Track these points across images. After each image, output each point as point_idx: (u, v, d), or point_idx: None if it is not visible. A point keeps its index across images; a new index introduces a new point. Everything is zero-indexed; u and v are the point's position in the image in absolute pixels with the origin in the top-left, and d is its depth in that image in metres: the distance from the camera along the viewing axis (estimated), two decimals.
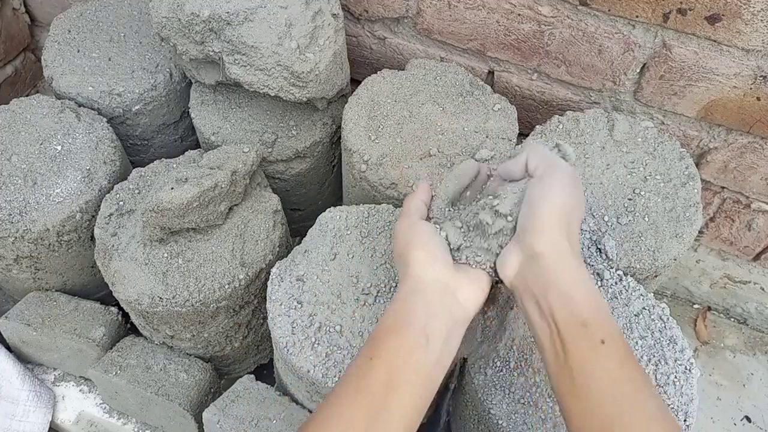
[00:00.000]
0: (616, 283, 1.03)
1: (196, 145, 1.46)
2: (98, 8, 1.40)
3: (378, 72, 1.25)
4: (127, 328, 1.27)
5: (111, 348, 1.21)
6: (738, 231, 1.36)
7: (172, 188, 1.06)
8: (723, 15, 1.07)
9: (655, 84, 1.20)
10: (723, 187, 1.31)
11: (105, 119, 1.27)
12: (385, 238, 1.07)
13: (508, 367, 0.96)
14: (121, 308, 1.25)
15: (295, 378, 1.01)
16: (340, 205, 1.44)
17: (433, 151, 1.15)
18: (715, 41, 1.11)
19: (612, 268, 1.04)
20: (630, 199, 1.11)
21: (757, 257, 1.40)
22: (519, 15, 1.21)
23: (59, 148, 1.22)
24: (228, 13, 1.10)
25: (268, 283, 1.04)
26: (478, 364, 0.97)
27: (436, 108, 1.20)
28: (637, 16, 1.13)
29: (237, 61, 1.14)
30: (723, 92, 1.16)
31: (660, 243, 1.07)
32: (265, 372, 1.36)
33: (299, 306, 1.00)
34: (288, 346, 0.97)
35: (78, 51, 1.33)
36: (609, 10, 1.14)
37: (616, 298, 1.02)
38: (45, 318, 1.21)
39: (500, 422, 0.92)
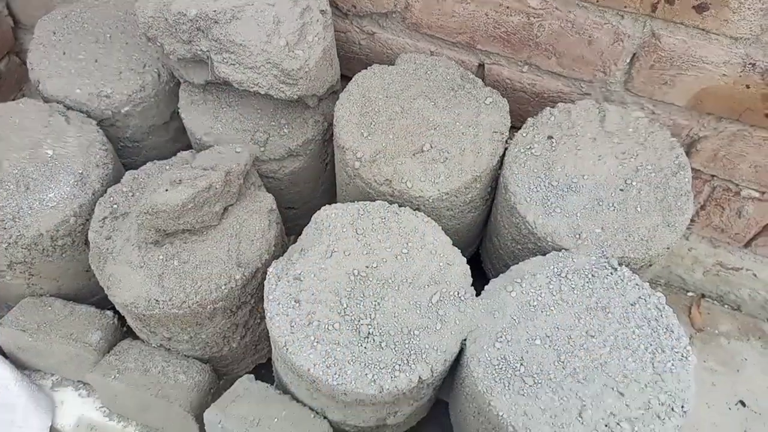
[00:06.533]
0: (611, 273, 1.04)
1: (188, 146, 1.45)
2: (83, 9, 1.39)
3: (368, 68, 1.25)
4: (123, 331, 1.27)
5: (108, 352, 1.20)
6: (729, 218, 1.38)
7: (166, 190, 1.05)
8: (710, 4, 1.07)
9: (645, 74, 1.21)
10: (713, 176, 1.32)
11: (95, 122, 1.27)
12: (380, 235, 1.07)
13: (507, 360, 0.96)
14: (116, 312, 1.25)
15: (296, 377, 1.02)
16: (335, 202, 1.45)
17: (426, 146, 1.15)
18: (703, 30, 1.11)
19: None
20: (622, 190, 1.11)
21: (748, 244, 1.42)
22: (508, 8, 1.21)
23: (50, 152, 1.21)
24: (215, 11, 1.09)
25: (266, 282, 1.04)
26: (477, 357, 0.97)
27: (428, 103, 1.20)
28: (625, 7, 1.13)
29: (226, 60, 1.13)
30: (713, 81, 1.17)
31: (652, 233, 1.07)
32: (263, 371, 1.35)
33: (297, 305, 1.00)
34: (287, 345, 0.97)
35: (64, 53, 1.32)
36: (597, 1, 1.14)
37: (612, 289, 1.02)
38: (40, 324, 1.20)
39: (501, 414, 0.93)
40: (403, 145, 1.15)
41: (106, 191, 1.19)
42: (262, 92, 1.15)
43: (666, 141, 1.16)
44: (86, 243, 1.22)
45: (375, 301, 1.01)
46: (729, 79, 1.15)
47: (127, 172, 1.21)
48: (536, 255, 1.12)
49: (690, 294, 1.55)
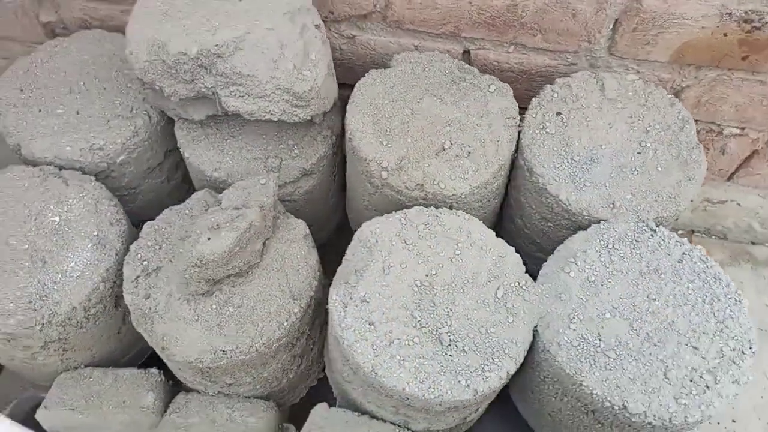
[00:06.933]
0: (651, 235, 1.09)
1: (183, 183, 1.39)
2: (44, 60, 1.29)
3: (366, 74, 1.24)
4: (170, 385, 1.22)
5: (164, 411, 1.16)
6: (713, 157, 1.47)
7: (208, 238, 1.02)
8: None
9: (628, 37, 1.26)
10: (697, 120, 1.40)
11: (93, 178, 1.19)
12: (429, 241, 1.08)
13: (586, 339, 1.01)
14: (160, 367, 1.20)
15: (382, 396, 1.02)
16: (344, 213, 1.44)
17: (447, 144, 1.16)
18: None
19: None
20: (639, 153, 1.17)
21: (730, 177, 1.52)
22: None
23: (57, 219, 1.13)
24: (217, 45, 1.05)
25: (332, 311, 1.03)
26: (557, 342, 1.01)
27: (435, 100, 1.21)
28: None
29: (234, 93, 1.10)
30: (693, 34, 1.23)
31: (677, 189, 1.14)
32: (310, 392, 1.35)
33: (372, 327, 1.00)
34: (375, 369, 0.97)
35: (40, 110, 1.23)
36: None
37: (657, 250, 1.08)
38: (87, 398, 1.14)
39: (594, 392, 0.97)
40: (424, 147, 1.16)
41: (128, 249, 1.13)
42: (275, 119, 1.13)
43: (665, 98, 1.22)
44: (116, 305, 1.17)
45: (446, 307, 1.02)
46: (708, 30, 1.22)
47: (145, 225, 1.15)
48: (570, 230, 1.17)
49: (680, 232, 1.65)
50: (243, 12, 1.07)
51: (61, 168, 1.20)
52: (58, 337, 1.10)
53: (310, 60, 1.11)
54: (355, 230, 1.41)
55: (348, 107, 1.20)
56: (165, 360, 1.12)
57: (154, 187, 1.33)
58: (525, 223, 1.27)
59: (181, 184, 1.40)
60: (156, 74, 1.09)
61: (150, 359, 1.34)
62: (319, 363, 1.29)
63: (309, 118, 1.15)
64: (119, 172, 1.25)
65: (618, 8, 1.22)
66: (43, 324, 1.06)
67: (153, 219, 1.22)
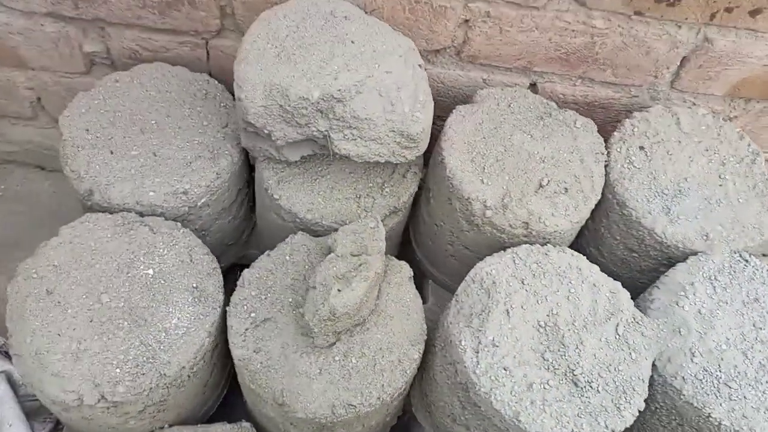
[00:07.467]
0: (745, 266, 1.14)
1: (243, 221, 1.33)
2: (106, 96, 1.19)
3: (454, 110, 1.23)
4: None
5: None
6: None
7: (339, 290, 0.98)
8: (765, 8, 1.19)
9: (693, 73, 1.31)
10: None
11: (179, 224, 1.12)
12: (543, 280, 1.08)
13: (708, 371, 1.04)
14: (247, 419, 1.15)
15: None
16: (398, 248, 1.41)
17: (544, 181, 1.17)
18: (753, 30, 1.23)
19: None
20: (720, 186, 1.22)
21: None
22: (573, 31, 1.25)
23: (150, 271, 1.06)
24: (339, 90, 1.02)
25: (464, 358, 1.01)
26: (681, 376, 1.04)
27: (525, 136, 1.22)
28: (686, 18, 1.22)
29: (347, 136, 1.06)
30: (753, 71, 1.30)
31: (759, 219, 1.19)
32: None
33: (507, 372, 1.00)
34: (518, 416, 0.97)
35: (112, 152, 1.14)
36: (661, 17, 1.22)
37: (754, 279, 1.13)
38: None
39: (723, 423, 1.01)
40: (523, 185, 1.16)
41: (229, 301, 1.07)
42: (382, 161, 1.10)
43: (734, 132, 1.28)
44: (210, 358, 1.10)
45: (575, 347, 1.03)
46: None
47: (244, 272, 1.09)
48: (656, 260, 1.20)
49: None
50: (358, 55, 1.04)
51: (141, 214, 1.12)
52: (159, 399, 1.02)
53: (419, 101, 1.09)
54: (427, 266, 1.41)
55: (443, 145, 1.19)
56: (276, 416, 1.07)
57: (221, 227, 1.26)
58: (601, 253, 1.30)
59: (241, 222, 1.34)
60: (270, 118, 1.04)
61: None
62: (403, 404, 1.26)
63: (414, 158, 1.13)
64: (197, 215, 1.18)
65: (689, 47, 1.27)
66: (151, 389, 0.99)
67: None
